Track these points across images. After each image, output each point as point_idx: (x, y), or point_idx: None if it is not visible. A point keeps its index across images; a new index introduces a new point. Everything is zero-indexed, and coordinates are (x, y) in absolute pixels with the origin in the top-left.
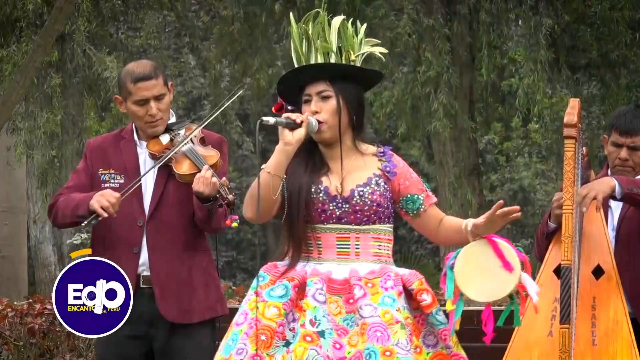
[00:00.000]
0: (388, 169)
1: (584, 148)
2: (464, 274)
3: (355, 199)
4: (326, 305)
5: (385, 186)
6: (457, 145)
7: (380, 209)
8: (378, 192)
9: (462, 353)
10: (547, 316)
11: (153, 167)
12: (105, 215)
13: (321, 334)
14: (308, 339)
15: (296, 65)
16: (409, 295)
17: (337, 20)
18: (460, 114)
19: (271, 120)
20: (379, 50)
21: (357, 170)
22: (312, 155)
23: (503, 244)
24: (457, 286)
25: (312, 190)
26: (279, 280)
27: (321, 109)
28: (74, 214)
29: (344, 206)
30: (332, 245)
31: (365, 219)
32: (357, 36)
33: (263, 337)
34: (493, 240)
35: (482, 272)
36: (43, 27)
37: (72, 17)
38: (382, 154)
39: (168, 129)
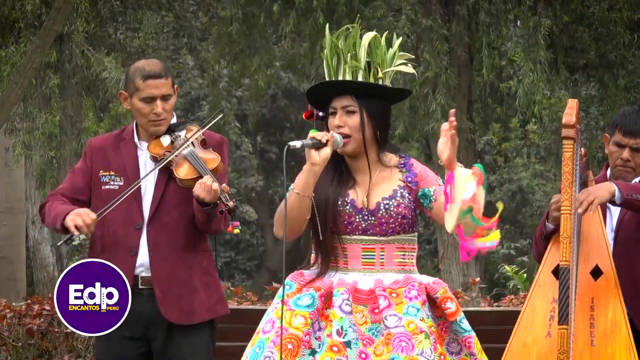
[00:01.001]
0: (410, 179)
1: (582, 149)
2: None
3: (381, 212)
4: (352, 315)
5: (409, 197)
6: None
7: (404, 220)
8: (403, 205)
9: None
10: (545, 317)
11: (151, 171)
12: (77, 234)
13: (347, 344)
14: (335, 349)
15: (327, 78)
16: (433, 303)
17: (368, 36)
18: (458, 115)
19: (298, 144)
20: (403, 69)
21: (383, 183)
22: (339, 168)
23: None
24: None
25: (339, 202)
26: (305, 289)
27: (345, 123)
28: (53, 224)
29: (370, 219)
30: (358, 256)
31: (391, 230)
32: (389, 50)
33: (290, 346)
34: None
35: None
36: (41, 28)
37: (70, 17)
38: (402, 165)
39: (169, 130)
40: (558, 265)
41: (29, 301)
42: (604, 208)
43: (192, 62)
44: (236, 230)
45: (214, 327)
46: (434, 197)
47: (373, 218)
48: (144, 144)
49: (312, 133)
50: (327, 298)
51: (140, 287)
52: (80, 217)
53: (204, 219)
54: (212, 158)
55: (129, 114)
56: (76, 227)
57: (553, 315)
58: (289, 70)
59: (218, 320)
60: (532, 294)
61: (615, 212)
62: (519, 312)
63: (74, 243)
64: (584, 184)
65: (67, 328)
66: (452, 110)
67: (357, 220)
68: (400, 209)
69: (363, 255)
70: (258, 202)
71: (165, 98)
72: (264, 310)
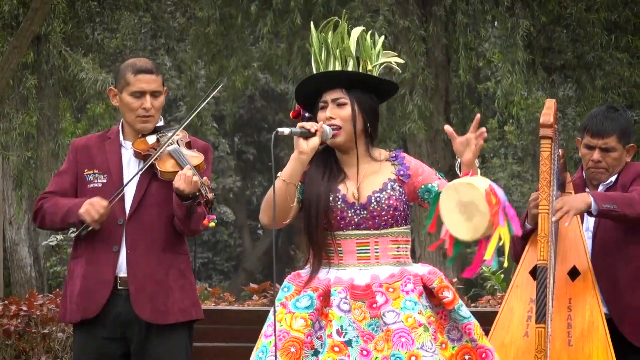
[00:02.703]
0: (402, 172)
1: (560, 150)
2: (447, 217)
3: (372, 205)
4: (351, 313)
5: (401, 190)
6: (432, 146)
7: (397, 213)
8: (394, 197)
9: (488, 345)
10: (523, 317)
11: (142, 168)
12: (97, 227)
13: (348, 343)
14: (336, 349)
15: (315, 73)
16: (430, 293)
17: (357, 31)
18: (435, 116)
19: (286, 130)
20: (394, 60)
21: (373, 176)
22: (329, 162)
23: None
24: (447, 230)
25: (331, 198)
26: (303, 290)
27: (336, 116)
28: (64, 220)
29: (362, 212)
30: (353, 251)
31: (383, 223)
32: (374, 48)
33: (292, 349)
34: (489, 195)
35: (466, 215)
36: (19, 29)
37: (47, 18)
38: (394, 159)
39: (155, 131)
40: (535, 266)
41: (5, 302)
42: None
43: (170, 63)
44: (212, 224)
45: (191, 329)
46: (439, 192)
47: (365, 212)
48: (129, 144)
49: (301, 122)
50: (326, 297)
51: (119, 287)
52: (94, 208)
53: (183, 215)
54: (196, 156)
55: (106, 115)
56: (93, 220)
57: (530, 315)
58: (267, 71)
59: (197, 322)
60: (510, 294)
61: (590, 216)
62: (496, 312)
63: (50, 244)
64: (562, 185)
65: (44, 329)
66: (478, 116)
67: (350, 215)
68: (391, 202)
69: (358, 249)
70: (235, 203)
71: (154, 95)
72: (241, 311)
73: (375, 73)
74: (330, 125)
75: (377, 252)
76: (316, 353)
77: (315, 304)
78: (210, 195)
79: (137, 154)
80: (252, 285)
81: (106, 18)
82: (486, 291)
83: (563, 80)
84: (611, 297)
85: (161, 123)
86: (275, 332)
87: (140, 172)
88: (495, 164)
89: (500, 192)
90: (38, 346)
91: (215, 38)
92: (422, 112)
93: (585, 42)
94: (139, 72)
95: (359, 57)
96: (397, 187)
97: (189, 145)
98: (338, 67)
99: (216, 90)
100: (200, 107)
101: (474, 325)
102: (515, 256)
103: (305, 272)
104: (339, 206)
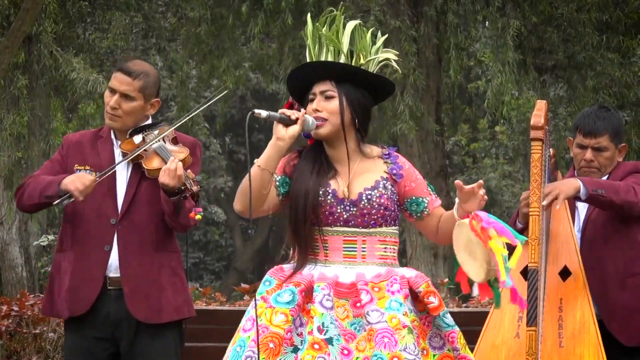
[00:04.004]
0: (395, 171)
1: (550, 149)
2: (461, 260)
3: (363, 202)
4: (333, 310)
5: (392, 189)
6: (423, 147)
7: (387, 212)
8: (385, 196)
9: (470, 355)
10: (514, 318)
11: (125, 159)
12: (81, 198)
13: (329, 341)
14: (316, 346)
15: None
16: (415, 297)
17: (352, 24)
18: (426, 116)
19: (263, 113)
20: (387, 56)
21: (365, 173)
22: (319, 157)
23: (478, 226)
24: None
25: (320, 192)
26: (285, 285)
27: (323, 108)
28: (42, 194)
29: (351, 209)
30: (339, 248)
31: (372, 222)
32: (374, 45)
33: (271, 345)
34: (471, 221)
35: (469, 254)
36: (10, 29)
37: (39, 18)
38: (387, 156)
39: (141, 130)
40: (527, 266)
41: None
42: (572, 207)
43: (161, 63)
44: (198, 217)
45: (182, 328)
46: (427, 209)
47: (355, 209)
48: (119, 143)
49: (282, 109)
50: (308, 293)
51: (108, 287)
52: (79, 180)
53: (170, 210)
54: (181, 151)
55: (97, 115)
56: (77, 189)
57: (521, 316)
58: (258, 71)
59: (186, 321)
60: (501, 295)
61: (582, 210)
62: (487, 312)
63: (42, 244)
64: None
65: (35, 329)
66: (480, 182)
67: (339, 210)
68: (382, 200)
69: (344, 247)
70: (227, 203)
71: (125, 97)
72: (233, 311)
73: (372, 70)
74: (316, 119)
75: (364, 252)
76: (295, 350)
77: (297, 299)
78: (195, 188)
79: (124, 155)
80: (243, 285)
81: (97, 18)
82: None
83: (554, 81)
84: (600, 295)
85: (149, 122)
86: (257, 327)
87: (126, 160)
88: (487, 164)
89: (483, 214)
90: (29, 346)
91: (207, 38)
92: (413, 112)
93: (576, 43)
94: (118, 70)
95: (353, 50)
96: (389, 187)
97: (175, 141)
98: (330, 59)
99: (218, 97)
100: (197, 111)
101: (458, 334)
102: None
103: (288, 267)
104: (328, 201)
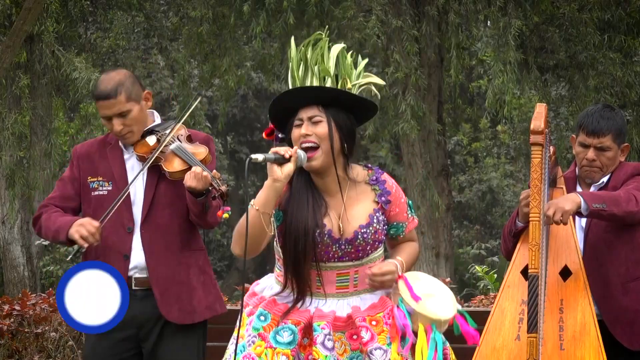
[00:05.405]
0: (383, 198)
1: (551, 147)
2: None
3: (358, 241)
4: (334, 351)
5: (383, 218)
6: (425, 146)
7: (380, 244)
8: (380, 230)
9: None
10: (514, 319)
11: (145, 165)
12: (85, 245)
13: None
14: None
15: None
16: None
17: (337, 48)
18: (428, 115)
19: (260, 157)
20: (374, 81)
21: (356, 205)
22: (309, 188)
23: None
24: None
25: (317, 233)
26: (282, 322)
27: (312, 132)
28: (55, 238)
29: (347, 247)
30: (332, 281)
31: (365, 255)
32: (355, 68)
33: None
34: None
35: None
36: (11, 28)
37: (40, 17)
38: (375, 182)
39: (153, 131)
40: (527, 265)
41: None
42: None
43: (163, 62)
44: (225, 215)
45: (205, 328)
46: (403, 233)
47: (350, 247)
48: (130, 148)
49: (275, 148)
50: (306, 328)
51: (134, 288)
52: (84, 228)
53: (198, 211)
54: (200, 151)
55: (99, 114)
56: (82, 238)
57: (522, 317)
58: (260, 70)
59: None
60: (501, 295)
61: (580, 217)
62: (489, 312)
63: (43, 244)
64: (553, 181)
65: (37, 328)
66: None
67: (334, 249)
68: (377, 236)
69: (337, 280)
70: (229, 203)
71: (121, 115)
72: (234, 311)
73: (354, 92)
74: (306, 143)
75: (356, 281)
76: None
77: (297, 339)
78: (224, 188)
79: (141, 158)
80: (246, 285)
81: (99, 17)
82: (479, 291)
83: (556, 80)
84: (603, 299)
85: (158, 121)
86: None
87: (139, 175)
88: (488, 164)
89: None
90: (31, 345)
91: (208, 37)
92: (414, 111)
93: (577, 42)
94: (98, 99)
95: (338, 74)
96: (381, 218)
97: (189, 139)
98: (316, 83)
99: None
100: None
101: (449, 350)
102: (507, 253)
103: (280, 299)
104: (325, 241)
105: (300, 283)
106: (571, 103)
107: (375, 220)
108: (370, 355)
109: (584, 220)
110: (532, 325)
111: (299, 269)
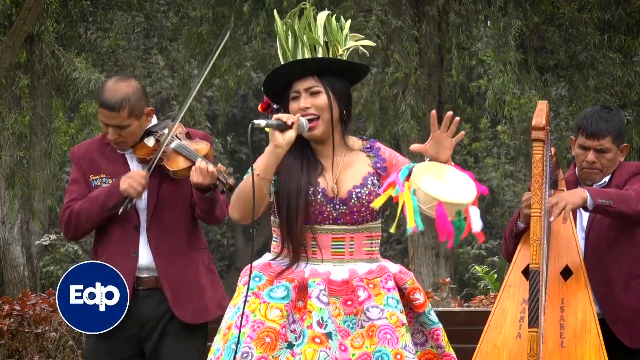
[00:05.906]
0: (378, 165)
1: (552, 148)
2: (422, 171)
3: (353, 201)
4: (329, 306)
5: (379, 184)
6: None
7: (376, 213)
8: (374, 193)
9: (453, 353)
10: (515, 318)
11: (152, 163)
12: (141, 198)
13: (329, 335)
14: (317, 340)
15: (282, 62)
16: (400, 293)
17: (322, 16)
18: (428, 115)
19: (262, 123)
20: (364, 43)
21: (351, 168)
22: (305, 152)
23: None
24: (412, 179)
25: (310, 192)
26: (277, 281)
27: (311, 105)
28: (104, 208)
29: (341, 208)
30: (327, 246)
31: (361, 218)
32: (342, 31)
33: (268, 340)
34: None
35: (440, 177)
36: (11, 28)
37: (40, 17)
38: (369, 150)
39: (151, 132)
40: (528, 265)
41: None
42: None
43: (163, 62)
44: None
45: (206, 328)
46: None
47: (345, 207)
48: (129, 150)
49: (277, 114)
50: (301, 289)
51: (137, 287)
52: (134, 180)
53: (207, 207)
54: (201, 146)
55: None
56: (132, 187)
57: (523, 316)
58: (259, 70)
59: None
60: (502, 294)
61: (585, 212)
62: (489, 312)
63: (43, 243)
64: (554, 183)
65: (37, 328)
66: (449, 114)
67: (328, 209)
68: (372, 197)
69: (332, 244)
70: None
71: (119, 127)
72: None
73: (345, 57)
74: (307, 115)
75: (352, 248)
76: (290, 346)
77: (291, 295)
78: (231, 181)
79: (142, 160)
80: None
81: (99, 17)
82: (479, 291)
83: (556, 80)
84: (604, 297)
85: (154, 121)
86: (243, 312)
87: (152, 165)
88: (488, 164)
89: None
90: (31, 346)
91: (208, 37)
92: (414, 112)
93: (577, 42)
94: (101, 106)
95: (328, 41)
96: (376, 182)
97: (188, 136)
98: (307, 54)
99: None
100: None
101: (442, 331)
102: (507, 255)
103: (276, 263)
104: (318, 200)
105: (295, 242)
106: (571, 103)
107: (369, 182)
108: (367, 312)
109: (585, 220)
110: (533, 320)
111: (293, 227)
